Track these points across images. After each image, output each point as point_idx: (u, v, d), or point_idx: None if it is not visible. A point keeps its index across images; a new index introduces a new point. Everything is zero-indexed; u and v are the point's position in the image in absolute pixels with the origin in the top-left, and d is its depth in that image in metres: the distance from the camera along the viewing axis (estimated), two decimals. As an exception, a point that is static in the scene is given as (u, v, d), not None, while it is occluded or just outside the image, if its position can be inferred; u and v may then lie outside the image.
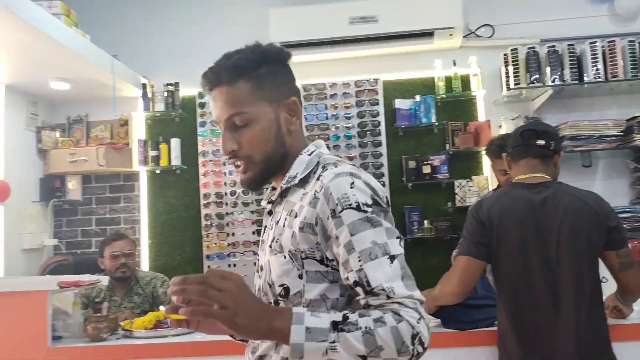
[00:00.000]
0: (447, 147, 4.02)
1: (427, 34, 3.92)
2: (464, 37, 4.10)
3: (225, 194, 4.09)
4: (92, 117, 4.38)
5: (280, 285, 1.17)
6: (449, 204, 4.01)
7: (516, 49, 3.84)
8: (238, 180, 3.93)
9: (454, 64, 4.04)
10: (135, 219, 4.28)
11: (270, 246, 1.20)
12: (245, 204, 4.08)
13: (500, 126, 3.93)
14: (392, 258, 1.07)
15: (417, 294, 1.05)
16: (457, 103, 4.11)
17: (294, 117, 1.24)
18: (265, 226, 1.30)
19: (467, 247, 2.11)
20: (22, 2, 2.82)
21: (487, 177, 3.97)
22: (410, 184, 4.01)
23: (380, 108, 4.07)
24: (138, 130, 4.28)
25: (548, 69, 3.75)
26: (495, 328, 2.22)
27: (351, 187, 1.11)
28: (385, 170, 4.03)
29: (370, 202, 1.11)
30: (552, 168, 2.15)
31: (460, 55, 4.12)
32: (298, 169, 1.22)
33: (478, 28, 4.17)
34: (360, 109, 4.08)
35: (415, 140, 4.10)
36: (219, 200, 4.09)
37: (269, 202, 1.29)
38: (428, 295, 2.30)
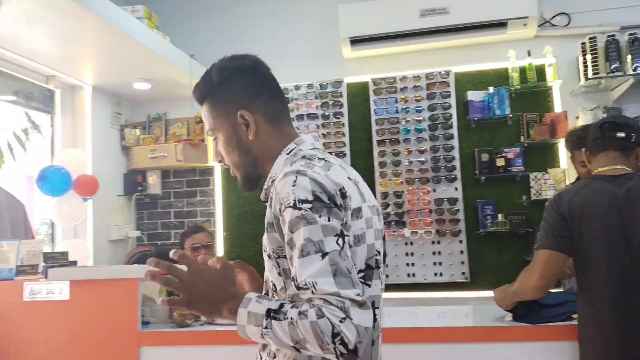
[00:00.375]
0: (522, 139, 3.92)
1: (500, 24, 3.84)
2: (538, 26, 3.98)
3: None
4: (170, 115, 4.58)
5: (270, 281, 1.27)
6: (523, 197, 3.92)
7: (594, 37, 3.69)
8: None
9: (529, 54, 3.94)
10: (211, 212, 4.44)
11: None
12: (317, 198, 4.14)
13: (577, 117, 3.80)
14: (324, 255, 1.07)
15: (349, 292, 1.04)
16: (531, 94, 4.01)
17: (248, 128, 1.30)
18: None
19: (547, 241, 2.07)
20: (109, 7, 3.00)
21: (564, 169, 3.85)
22: (483, 177, 3.95)
23: (452, 100, 4.03)
24: (213, 127, 4.43)
25: (629, 57, 3.59)
26: (573, 322, 2.18)
27: (293, 186, 1.13)
28: (457, 163, 3.99)
29: (310, 198, 1.11)
30: (634, 161, 2.08)
31: (535, 45, 4.01)
32: (276, 169, 1.29)
33: (553, 17, 4.04)
34: (431, 102, 4.05)
35: (488, 132, 4.03)
36: (291, 194, 4.17)
37: (263, 202, 1.33)
38: (506, 291, 2.28)
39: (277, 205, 1.16)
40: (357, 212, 1.21)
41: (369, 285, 1.22)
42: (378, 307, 1.25)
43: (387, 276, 4.03)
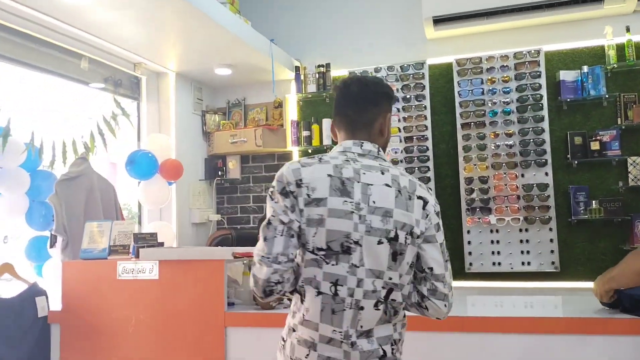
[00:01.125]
0: (619, 121, 3.66)
1: (596, -1, 3.59)
2: (638, 0, 3.69)
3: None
4: (249, 101, 4.61)
5: None
6: (620, 183, 3.66)
7: None
8: (388, 159, 3.83)
9: (627, 30, 3.66)
10: (290, 197, 4.43)
11: None
12: (397, 183, 4.05)
13: (684, 96, 3.50)
14: (263, 225, 1.52)
15: (257, 252, 1.49)
16: (630, 73, 3.73)
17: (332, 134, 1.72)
18: None
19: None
20: (193, -9, 3.02)
21: (668, 153, 3.56)
22: (575, 162, 3.72)
23: (542, 81, 3.81)
24: (291, 112, 4.43)
25: None
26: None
27: None
28: (547, 147, 3.77)
29: (273, 184, 1.54)
30: None
31: (635, 20, 3.72)
32: None
33: (657, -12, 3.73)
34: (519, 83, 3.85)
35: (581, 114, 3.79)
36: (371, 179, 4.10)
37: None
38: (603, 278, 2.11)
39: None
40: (318, 202, 1.46)
41: (330, 264, 1.46)
42: (342, 285, 1.46)
43: (470, 264, 3.88)
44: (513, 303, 2.88)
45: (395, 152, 4.07)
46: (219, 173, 4.49)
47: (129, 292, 2.76)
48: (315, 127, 4.26)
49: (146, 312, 2.71)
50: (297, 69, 4.31)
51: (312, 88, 4.28)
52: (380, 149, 1.60)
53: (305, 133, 4.29)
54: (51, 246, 3.16)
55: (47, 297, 2.82)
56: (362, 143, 1.57)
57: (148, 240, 3.00)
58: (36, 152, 3.12)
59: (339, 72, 4.30)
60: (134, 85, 4.12)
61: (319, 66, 4.28)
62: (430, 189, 1.64)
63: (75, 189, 3.21)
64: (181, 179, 4.06)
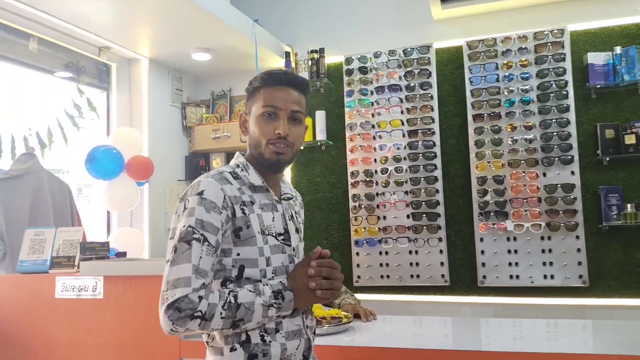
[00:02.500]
0: (659, 110, 3.13)
1: (633, -34, 3.06)
2: (680, -31, 3.16)
3: (376, 171, 3.59)
4: (236, 92, 4.14)
5: None
6: (660, 183, 3.13)
7: None
8: (390, 155, 3.35)
9: (667, 4, 3.13)
10: (280, 199, 3.95)
11: (297, 234, 1.57)
12: (399, 183, 3.54)
13: None
14: None
15: None
16: (671, 55, 3.19)
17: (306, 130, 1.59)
18: (274, 212, 1.51)
19: None
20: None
21: None
22: (607, 159, 3.19)
23: (567, 65, 3.28)
24: (282, 104, 3.94)
25: None
26: None
27: None
28: (573, 141, 3.24)
29: None
30: None
31: (676, -7, 3.19)
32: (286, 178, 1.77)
33: (703, -45, 3.19)
34: (540, 67, 3.33)
35: (613, 103, 3.25)
36: (368, 179, 3.60)
37: (284, 198, 1.57)
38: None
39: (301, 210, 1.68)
40: None
41: None
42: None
43: (484, 277, 3.36)
44: (534, 327, 2.36)
45: (398, 148, 3.56)
46: (202, 172, 4.00)
47: (68, 314, 2.29)
48: (307, 119, 3.75)
49: (88, 339, 2.24)
50: (287, 54, 3.83)
51: (304, 76, 3.78)
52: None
53: (296, 127, 3.79)
54: (-14, 257, 2.70)
55: (-27, 319, 2.36)
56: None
57: (98, 251, 2.52)
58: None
59: (334, 58, 3.81)
60: (103, 73, 3.66)
61: (311, 52, 3.79)
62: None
63: (18, 190, 2.75)
64: (155, 179, 3.60)
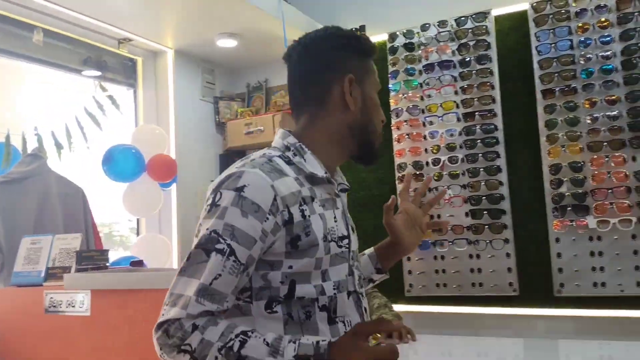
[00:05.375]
0: None
1: None
2: None
3: (427, 163, 3.10)
4: (272, 82, 3.79)
5: None
6: None
7: None
8: (442, 144, 2.86)
9: None
10: (324, 199, 3.55)
11: (354, 234, 1.25)
12: (454, 176, 3.04)
13: None
14: None
15: None
16: None
17: None
18: (335, 210, 1.18)
19: None
20: None
21: None
22: None
23: (660, 21, 2.66)
24: (321, 92, 3.54)
25: None
26: None
27: None
28: (672, 115, 2.61)
29: None
30: None
31: None
32: None
33: None
34: (625, 28, 2.71)
35: None
36: (418, 172, 3.12)
37: (341, 190, 1.25)
38: None
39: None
40: None
41: None
42: None
43: (561, 285, 2.79)
44: (627, 351, 1.82)
45: (452, 135, 3.05)
46: (238, 172, 3.68)
47: (55, 332, 2.02)
48: (349, 108, 3.34)
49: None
50: (324, 37, 3.42)
51: (344, 60, 3.37)
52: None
53: (338, 117, 3.38)
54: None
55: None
56: None
57: (96, 260, 2.24)
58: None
59: (376, 37, 3.35)
60: (128, 68, 3.42)
61: (350, 29, 3.36)
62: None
63: (21, 195, 2.52)
64: (184, 180, 3.32)
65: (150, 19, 3.02)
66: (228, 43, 3.30)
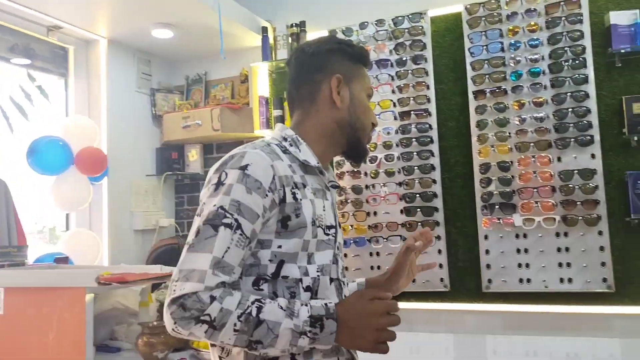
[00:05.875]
0: (699, 78, 2.58)
1: None
2: None
3: (365, 161, 3.12)
4: (212, 75, 3.72)
5: None
6: (702, 167, 2.58)
7: None
8: (379, 142, 2.88)
9: None
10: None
11: (340, 229, 1.33)
12: (390, 173, 3.07)
13: None
14: None
15: None
16: None
17: None
18: (325, 200, 1.28)
19: None
20: None
21: None
22: (635, 138, 2.65)
23: (585, 27, 2.75)
24: (261, 87, 3.50)
25: None
26: None
27: None
28: (594, 118, 2.71)
29: None
30: None
31: None
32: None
33: None
34: (552, 32, 2.80)
35: (643, 71, 2.72)
36: (355, 170, 3.14)
37: (332, 186, 1.33)
38: None
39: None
40: None
41: None
42: None
43: (489, 281, 2.86)
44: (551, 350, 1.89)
45: (388, 133, 3.08)
46: (175, 166, 3.61)
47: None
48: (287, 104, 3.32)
49: (-11, 363, 1.87)
50: (264, 30, 3.39)
51: (283, 54, 3.34)
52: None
53: (276, 112, 3.36)
54: None
55: None
56: None
57: (13, 256, 2.15)
58: None
59: (316, 33, 3.35)
60: (59, 57, 3.28)
61: (291, 26, 3.34)
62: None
63: None
64: (117, 174, 3.22)
65: (82, 6, 2.90)
66: (164, 34, 3.22)
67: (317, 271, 1.18)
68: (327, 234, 1.22)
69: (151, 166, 3.58)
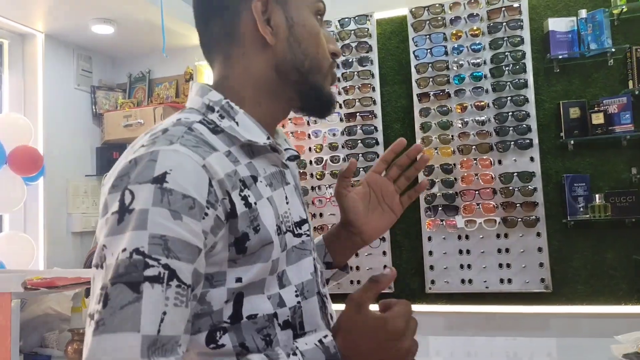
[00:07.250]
0: (631, 85, 2.68)
1: None
2: None
3: (310, 162, 3.11)
4: (156, 74, 3.63)
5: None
6: (633, 170, 2.68)
7: None
8: (325, 143, 2.86)
9: (640, -39, 2.67)
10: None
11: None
12: (335, 175, 3.07)
13: None
14: None
15: None
16: (644, 20, 2.74)
17: None
18: (285, 186, 0.86)
19: None
20: None
21: (700, 127, 2.57)
22: (571, 142, 2.73)
23: (525, 33, 2.82)
24: (206, 86, 3.44)
25: None
26: None
27: None
28: (532, 122, 2.78)
29: None
30: None
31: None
32: None
33: None
34: (494, 37, 2.86)
35: (579, 77, 2.80)
36: (301, 171, 3.13)
37: (289, 158, 0.91)
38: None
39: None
40: None
41: None
42: None
43: (432, 282, 2.89)
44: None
45: (334, 135, 3.08)
46: (116, 166, 3.49)
47: None
48: (234, 104, 3.27)
49: None
50: (209, 29, 3.32)
51: (229, 54, 3.29)
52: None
53: (222, 113, 3.30)
54: None
55: None
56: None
57: None
58: None
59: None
60: (-9, 52, 3.14)
61: (237, 25, 3.29)
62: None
63: None
64: (54, 174, 3.10)
65: (16, -1, 2.78)
66: (104, 29, 3.11)
67: (297, 295, 0.79)
68: (299, 234, 0.84)
69: (91, 166, 3.46)
